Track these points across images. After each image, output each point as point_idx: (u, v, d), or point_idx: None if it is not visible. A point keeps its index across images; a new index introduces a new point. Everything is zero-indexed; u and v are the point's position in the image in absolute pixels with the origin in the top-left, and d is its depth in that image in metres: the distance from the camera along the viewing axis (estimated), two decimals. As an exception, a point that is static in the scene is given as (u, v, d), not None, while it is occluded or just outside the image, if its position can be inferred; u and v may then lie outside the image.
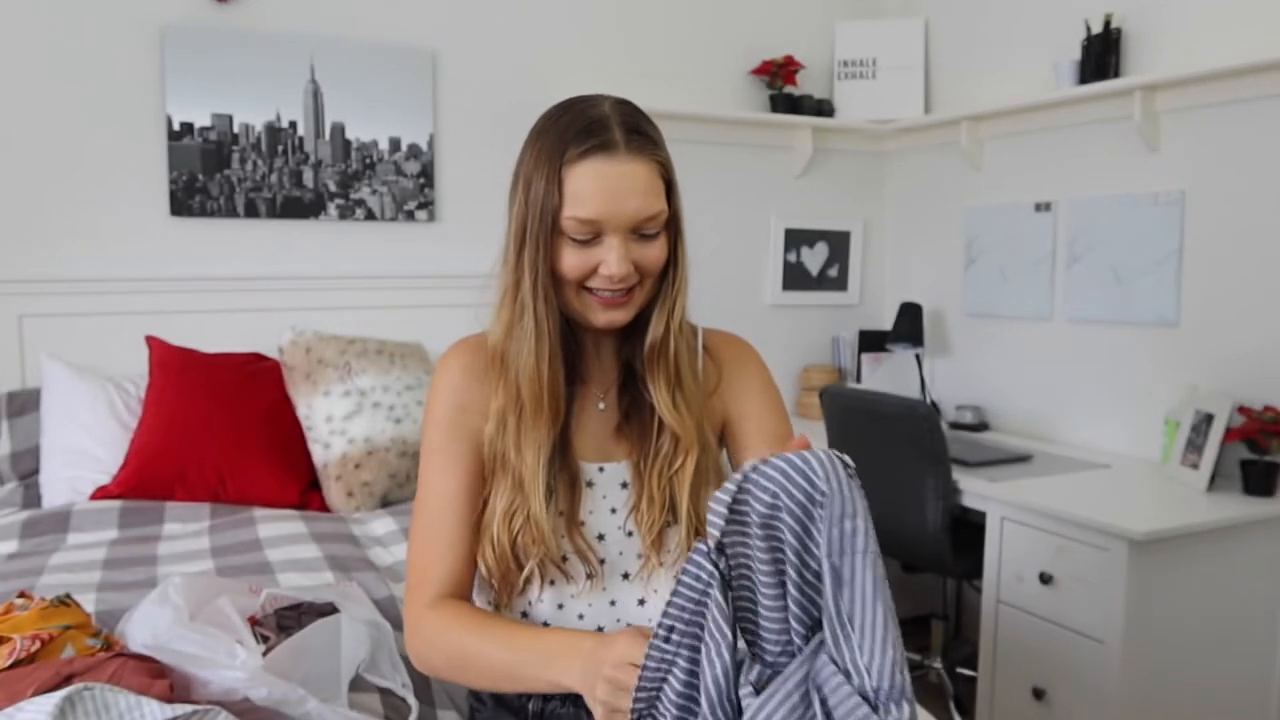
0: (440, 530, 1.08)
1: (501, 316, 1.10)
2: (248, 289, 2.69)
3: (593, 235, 1.03)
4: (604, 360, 1.15)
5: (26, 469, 2.33)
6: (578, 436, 1.12)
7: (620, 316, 1.07)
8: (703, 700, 0.79)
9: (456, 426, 1.10)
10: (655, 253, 1.06)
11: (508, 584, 1.07)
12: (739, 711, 0.79)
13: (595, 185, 1.01)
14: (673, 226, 1.08)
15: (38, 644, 1.13)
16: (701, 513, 1.09)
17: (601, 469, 1.12)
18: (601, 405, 1.14)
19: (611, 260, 1.02)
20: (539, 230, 1.04)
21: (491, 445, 1.09)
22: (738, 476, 0.80)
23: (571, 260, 1.04)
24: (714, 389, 1.17)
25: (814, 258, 3.52)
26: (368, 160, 2.83)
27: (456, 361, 1.14)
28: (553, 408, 1.07)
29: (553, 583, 1.08)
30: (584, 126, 1.03)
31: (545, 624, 1.09)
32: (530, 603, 1.09)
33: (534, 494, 1.05)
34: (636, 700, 0.83)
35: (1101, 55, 2.66)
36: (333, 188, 2.80)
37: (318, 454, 2.37)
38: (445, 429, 1.11)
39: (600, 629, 1.10)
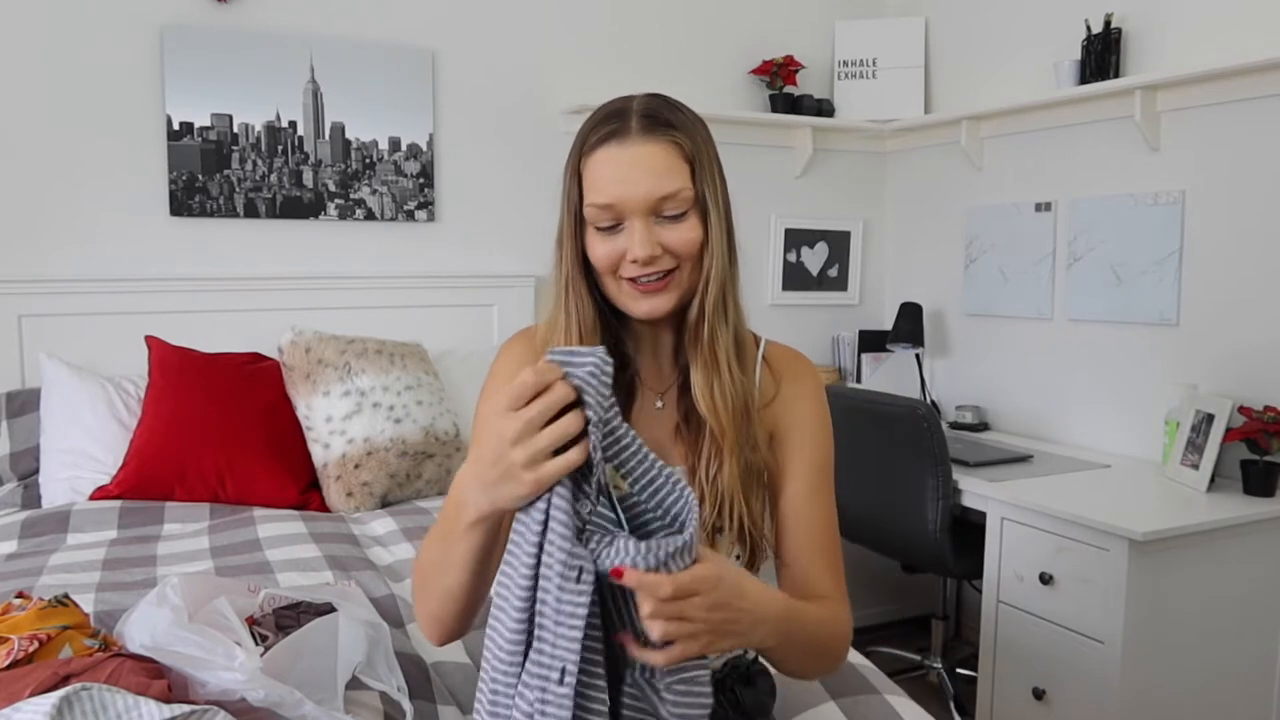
0: None
1: (549, 312, 1.11)
2: (247, 289, 2.68)
3: (615, 221, 1.03)
4: (662, 360, 1.14)
5: (26, 469, 2.33)
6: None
7: (660, 304, 1.05)
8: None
9: None
10: (684, 234, 1.03)
11: None
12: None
13: (608, 171, 1.02)
14: (702, 207, 1.05)
15: (35, 644, 1.13)
16: (753, 519, 1.07)
17: None
18: (660, 404, 1.13)
19: (635, 244, 1.01)
20: (567, 224, 1.07)
21: None
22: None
23: (600, 249, 1.04)
24: (769, 401, 1.13)
25: (814, 258, 3.51)
26: (367, 160, 2.83)
27: (511, 356, 1.14)
28: None
29: None
30: (603, 118, 1.05)
31: None
32: None
33: None
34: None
35: (1102, 55, 2.66)
36: (332, 187, 2.79)
37: (317, 454, 2.37)
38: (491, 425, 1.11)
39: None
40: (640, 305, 1.05)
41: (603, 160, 1.03)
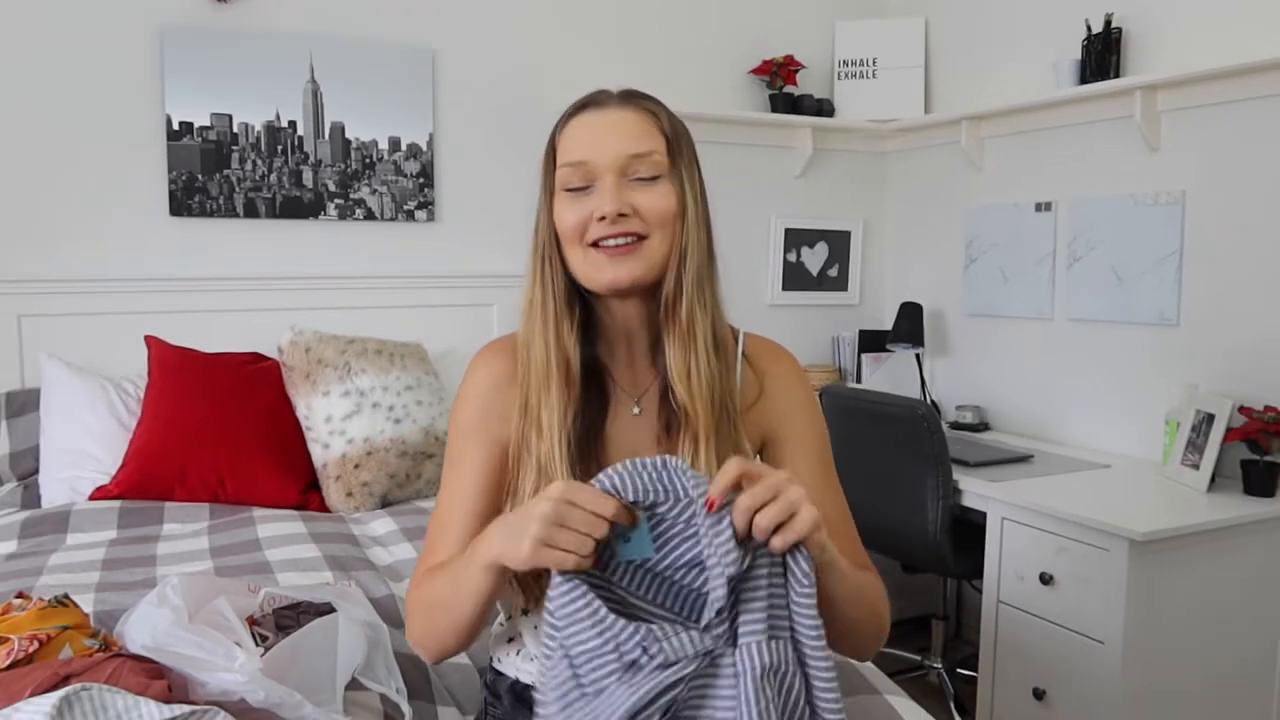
0: (443, 526, 1.07)
1: (523, 300, 1.09)
2: (247, 289, 2.69)
3: (586, 182, 1.02)
4: (637, 361, 1.10)
5: (26, 469, 2.33)
6: (612, 443, 1.07)
7: (625, 271, 1.01)
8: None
9: (477, 433, 1.08)
10: (655, 199, 1.02)
11: (537, 583, 1.04)
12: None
13: (582, 133, 1.04)
14: (677, 179, 1.04)
15: (35, 644, 1.13)
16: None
17: None
18: (637, 410, 1.09)
19: (604, 199, 1.00)
20: (543, 198, 1.06)
21: (517, 436, 1.06)
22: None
23: (568, 213, 1.02)
24: (754, 401, 1.11)
25: (814, 258, 3.51)
26: (367, 160, 2.83)
27: (485, 367, 1.11)
28: (563, 374, 1.03)
29: None
30: (580, 100, 1.07)
31: None
32: None
33: (556, 475, 1.01)
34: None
35: (1102, 55, 2.66)
36: (332, 187, 2.79)
37: (317, 454, 2.37)
38: (465, 435, 1.09)
39: None
40: (605, 273, 1.02)
41: (578, 125, 1.04)
